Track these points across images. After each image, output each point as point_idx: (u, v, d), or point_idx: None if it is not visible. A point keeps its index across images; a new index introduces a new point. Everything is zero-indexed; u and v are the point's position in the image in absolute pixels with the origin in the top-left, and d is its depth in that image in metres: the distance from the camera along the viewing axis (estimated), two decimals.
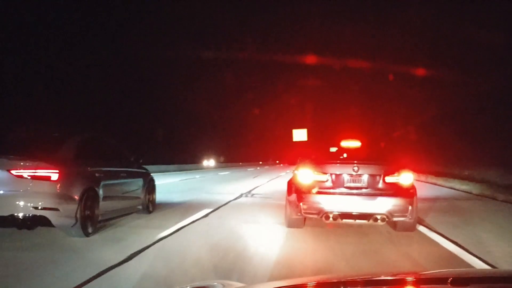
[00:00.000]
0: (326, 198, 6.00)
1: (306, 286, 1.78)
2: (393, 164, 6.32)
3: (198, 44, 65.31)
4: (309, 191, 6.08)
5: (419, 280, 1.84)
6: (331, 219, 5.87)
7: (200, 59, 52.58)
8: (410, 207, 5.95)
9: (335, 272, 4.20)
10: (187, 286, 1.98)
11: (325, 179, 6.12)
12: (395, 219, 5.96)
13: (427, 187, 14.73)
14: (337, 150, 6.98)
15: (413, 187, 6.24)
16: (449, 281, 1.65)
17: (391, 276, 2.08)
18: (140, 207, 7.29)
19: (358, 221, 5.98)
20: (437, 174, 19.30)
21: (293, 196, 6.22)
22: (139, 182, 7.28)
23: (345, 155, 6.74)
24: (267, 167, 50.32)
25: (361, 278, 1.91)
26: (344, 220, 5.93)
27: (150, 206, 7.64)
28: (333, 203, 5.95)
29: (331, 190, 6.07)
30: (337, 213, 5.86)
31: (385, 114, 37.10)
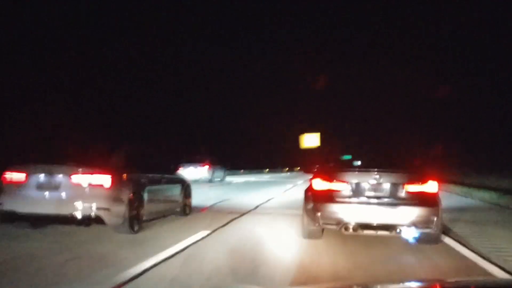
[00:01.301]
0: (345, 208, 5.68)
1: None
2: (417, 171, 5.99)
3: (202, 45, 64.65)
4: (327, 201, 5.77)
5: None
6: (350, 230, 5.55)
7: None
8: (435, 218, 5.58)
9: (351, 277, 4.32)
10: None
11: (344, 188, 5.77)
12: (419, 229, 5.61)
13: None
14: (353, 157, 6.81)
15: (438, 197, 5.86)
16: None
17: (405, 282, 2.08)
18: (178, 209, 8.06)
19: (379, 232, 5.66)
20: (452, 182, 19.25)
21: (310, 206, 5.92)
22: (178, 187, 8.06)
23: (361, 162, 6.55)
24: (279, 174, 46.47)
25: (378, 285, 1.88)
26: (365, 232, 5.63)
27: (187, 209, 8.39)
28: (352, 213, 5.64)
29: (351, 200, 5.75)
30: (357, 224, 5.56)
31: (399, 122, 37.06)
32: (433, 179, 5.77)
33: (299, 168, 73.02)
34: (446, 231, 6.48)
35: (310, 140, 58.14)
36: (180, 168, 15.98)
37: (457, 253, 5.55)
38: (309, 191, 6.16)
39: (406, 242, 5.84)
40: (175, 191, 7.95)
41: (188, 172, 16.19)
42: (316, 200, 5.83)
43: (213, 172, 21.51)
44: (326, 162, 6.60)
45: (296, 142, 59.35)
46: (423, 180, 5.71)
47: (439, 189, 5.91)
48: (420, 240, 5.78)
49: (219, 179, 22.29)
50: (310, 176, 6.53)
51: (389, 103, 38.76)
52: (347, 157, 6.87)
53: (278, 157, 74.73)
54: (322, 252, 5.51)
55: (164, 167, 7.91)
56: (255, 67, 69.49)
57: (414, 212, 5.56)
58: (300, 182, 20.13)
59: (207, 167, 21.10)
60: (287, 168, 71.56)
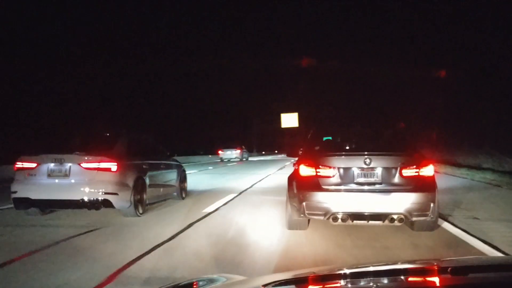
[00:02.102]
0: (333, 196, 5.07)
1: (309, 279, 1.74)
2: (411, 154, 5.35)
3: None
4: (313, 189, 5.14)
5: (424, 270, 1.83)
6: (339, 220, 4.97)
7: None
8: (432, 205, 5.00)
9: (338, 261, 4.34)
10: (192, 280, 1.93)
11: (331, 174, 5.14)
12: (414, 218, 5.02)
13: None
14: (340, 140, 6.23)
15: (434, 181, 5.24)
16: (449, 270, 1.62)
17: (393, 264, 2.07)
18: (175, 194, 8.56)
19: (371, 222, 5.06)
20: (442, 163, 20.28)
21: (295, 194, 5.29)
22: (174, 172, 8.54)
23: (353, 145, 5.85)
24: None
25: (366, 269, 1.86)
26: (355, 222, 5.04)
27: (183, 193, 8.90)
28: (341, 202, 5.04)
29: (339, 187, 5.13)
30: (347, 213, 4.96)
31: (383, 102, 38.07)
32: (429, 162, 5.23)
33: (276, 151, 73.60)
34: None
35: (289, 120, 59.40)
36: (220, 151, 34.03)
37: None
38: (293, 178, 5.53)
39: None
40: (173, 176, 8.44)
41: (227, 154, 33.50)
42: (301, 188, 5.21)
43: (242, 154, 34.45)
44: (310, 145, 5.93)
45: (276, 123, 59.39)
46: (418, 164, 5.13)
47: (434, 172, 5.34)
48: (415, 227, 5.39)
49: (245, 159, 35.08)
50: (294, 160, 6.10)
51: (375, 83, 39.52)
52: (327, 138, 6.30)
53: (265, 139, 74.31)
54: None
55: (162, 152, 8.40)
56: (233, 49, 69.54)
57: (410, 199, 4.97)
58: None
59: (239, 151, 34.05)
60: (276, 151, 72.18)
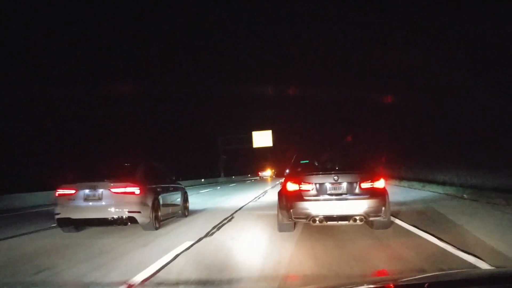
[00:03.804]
0: (312, 204, 6.65)
1: None
2: (367, 171, 6.95)
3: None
4: (297, 199, 6.74)
5: (403, 286, 1.90)
6: (317, 222, 6.60)
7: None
8: (383, 208, 6.64)
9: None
10: None
11: (310, 188, 6.76)
12: (371, 218, 6.67)
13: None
14: (318, 159, 7.82)
15: (385, 191, 6.86)
16: (425, 286, 1.67)
17: (375, 283, 2.16)
18: (180, 212, 10.11)
19: (340, 222, 6.69)
20: (401, 179, 22.92)
21: (284, 204, 6.91)
22: (179, 194, 10.11)
23: (326, 165, 7.46)
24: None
25: (354, 285, 1.96)
26: (329, 222, 6.66)
27: (185, 211, 10.47)
28: (318, 208, 6.61)
29: (316, 197, 6.72)
30: (322, 216, 6.56)
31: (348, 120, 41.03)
32: (381, 177, 6.85)
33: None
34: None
35: (261, 139, 52.68)
36: (260, 173, 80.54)
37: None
38: (282, 192, 7.17)
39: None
40: (178, 197, 10.01)
41: (264, 174, 76.33)
42: (288, 199, 6.82)
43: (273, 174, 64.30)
44: (294, 167, 7.63)
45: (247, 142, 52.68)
46: (372, 179, 6.76)
47: (385, 184, 7.02)
48: (373, 226, 7.07)
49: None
50: (282, 180, 7.75)
51: (335, 103, 42.25)
52: (304, 161, 7.92)
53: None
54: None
55: (169, 177, 9.98)
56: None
57: (367, 204, 6.58)
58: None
59: (271, 171, 77.26)
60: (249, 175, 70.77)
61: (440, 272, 3.14)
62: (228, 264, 5.25)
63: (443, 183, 17.24)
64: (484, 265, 4.64)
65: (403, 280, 2.12)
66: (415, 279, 2.10)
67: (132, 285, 4.40)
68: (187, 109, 56.78)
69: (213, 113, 68.99)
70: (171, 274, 4.85)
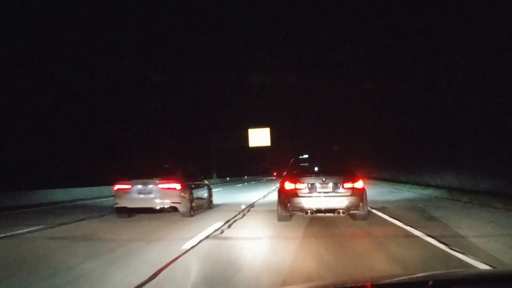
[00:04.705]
0: (305, 199, 8.28)
1: None
2: (349, 174, 8.49)
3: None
4: (293, 196, 8.35)
5: (407, 284, 1.93)
6: (309, 213, 8.36)
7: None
8: (361, 203, 8.28)
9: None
10: None
11: (303, 187, 8.37)
12: (351, 212, 8.37)
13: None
14: (310, 163, 9.51)
15: (363, 190, 8.45)
16: (430, 284, 1.70)
17: (377, 280, 2.21)
18: (206, 204, 12.36)
19: (327, 214, 8.38)
20: (398, 182, 25.52)
21: (282, 199, 8.56)
22: (206, 190, 12.38)
23: (316, 168, 9.06)
24: None
25: (355, 284, 2.01)
26: (318, 214, 8.38)
27: (211, 204, 12.74)
28: (310, 203, 8.25)
29: (309, 194, 8.30)
30: (313, 209, 8.25)
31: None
32: (360, 179, 8.44)
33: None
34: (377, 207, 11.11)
35: (258, 137, 47.52)
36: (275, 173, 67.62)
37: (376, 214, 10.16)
38: (281, 190, 8.82)
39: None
40: (205, 192, 12.28)
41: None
42: (286, 196, 8.44)
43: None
44: (291, 169, 9.05)
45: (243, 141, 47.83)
46: (353, 180, 8.32)
47: (364, 184, 8.63)
48: (353, 217, 8.77)
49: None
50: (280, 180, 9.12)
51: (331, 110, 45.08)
52: (304, 160, 9.63)
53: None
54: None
55: (199, 176, 12.22)
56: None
57: (348, 200, 8.19)
58: None
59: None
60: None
61: (443, 271, 3.09)
62: (252, 233, 7.47)
63: (429, 186, 19.42)
64: (430, 240, 6.78)
65: (406, 278, 2.16)
66: (418, 277, 2.16)
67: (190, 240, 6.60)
68: (179, 104, 52.06)
69: (207, 110, 64.34)
70: (217, 236, 7.27)
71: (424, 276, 2.15)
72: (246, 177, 67.88)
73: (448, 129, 18.27)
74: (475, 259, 5.11)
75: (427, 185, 19.90)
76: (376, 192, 19.30)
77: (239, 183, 44.37)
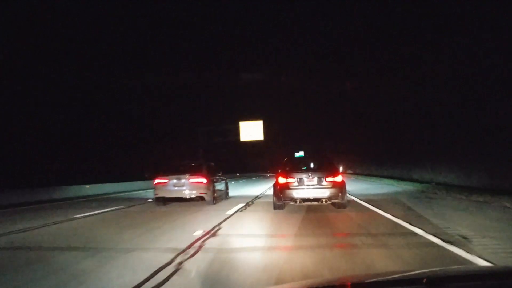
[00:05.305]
0: (295, 191, 10.03)
1: None
2: (330, 170, 10.33)
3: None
4: (286, 188, 10.12)
5: (400, 281, 1.94)
6: (298, 202, 10.14)
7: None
8: (340, 194, 10.06)
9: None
10: None
11: (294, 181, 10.14)
12: (332, 200, 10.13)
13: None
14: (299, 162, 11.74)
15: (343, 183, 10.26)
16: (424, 281, 1.69)
17: (371, 277, 2.21)
18: (223, 196, 15.22)
19: (313, 203, 10.28)
20: (386, 177, 28.41)
21: (277, 191, 10.35)
22: (223, 183, 15.26)
23: (304, 166, 11.10)
24: None
25: (349, 281, 2.05)
26: (306, 203, 10.29)
27: (227, 196, 15.63)
28: (299, 194, 10.01)
29: (298, 187, 10.04)
30: (302, 199, 10.05)
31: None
32: (339, 174, 10.39)
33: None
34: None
35: (250, 131, 41.12)
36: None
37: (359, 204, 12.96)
38: (276, 183, 10.68)
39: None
40: (223, 185, 15.16)
41: None
42: (280, 188, 10.29)
43: None
44: (284, 166, 10.84)
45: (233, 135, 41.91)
46: (334, 175, 10.15)
47: (343, 178, 10.50)
48: (335, 206, 10.59)
49: None
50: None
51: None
52: (300, 155, 12.71)
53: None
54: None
55: (218, 171, 15.05)
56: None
57: (329, 191, 9.96)
58: None
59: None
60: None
61: (438, 268, 2.98)
62: (266, 210, 10.25)
63: (416, 181, 22.23)
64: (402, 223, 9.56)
65: (400, 275, 2.17)
66: (412, 274, 2.17)
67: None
68: (165, 98, 49.37)
69: (194, 102, 59.08)
70: (244, 210, 10.43)
71: (418, 273, 2.13)
72: (238, 174, 63.30)
73: (423, 130, 21.06)
74: (410, 224, 7.89)
75: (403, 179, 23.06)
76: (360, 184, 22.13)
77: (242, 179, 46.65)
